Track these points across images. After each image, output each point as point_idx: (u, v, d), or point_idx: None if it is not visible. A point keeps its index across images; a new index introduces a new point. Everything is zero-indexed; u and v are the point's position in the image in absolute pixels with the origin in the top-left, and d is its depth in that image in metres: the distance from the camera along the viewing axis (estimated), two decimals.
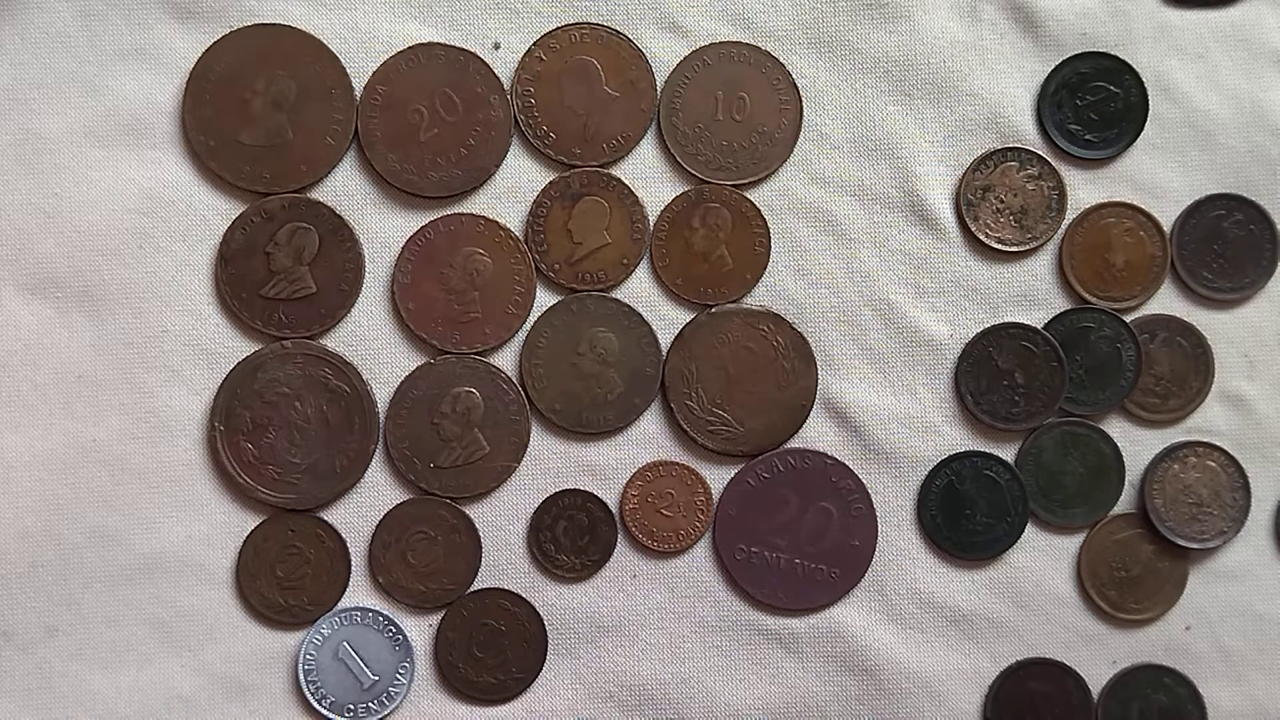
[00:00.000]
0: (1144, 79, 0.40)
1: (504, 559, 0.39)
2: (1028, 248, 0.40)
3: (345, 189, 0.39)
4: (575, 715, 0.40)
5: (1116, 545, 0.40)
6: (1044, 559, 0.40)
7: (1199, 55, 0.40)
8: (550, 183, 0.39)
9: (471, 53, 0.39)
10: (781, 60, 0.40)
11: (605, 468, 0.40)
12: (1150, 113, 0.40)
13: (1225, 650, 0.41)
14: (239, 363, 0.38)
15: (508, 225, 0.39)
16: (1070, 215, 0.40)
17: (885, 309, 0.40)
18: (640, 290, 0.40)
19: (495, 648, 0.39)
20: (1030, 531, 0.40)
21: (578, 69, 0.39)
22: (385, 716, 0.39)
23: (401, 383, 0.39)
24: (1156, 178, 0.40)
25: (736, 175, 0.39)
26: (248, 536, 0.39)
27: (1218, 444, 0.40)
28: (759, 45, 0.40)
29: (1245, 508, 0.40)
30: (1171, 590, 0.40)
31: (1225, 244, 0.40)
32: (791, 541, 0.40)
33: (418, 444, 0.39)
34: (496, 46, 0.39)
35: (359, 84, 0.39)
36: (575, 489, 0.39)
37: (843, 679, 0.40)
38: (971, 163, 0.40)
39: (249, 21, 0.39)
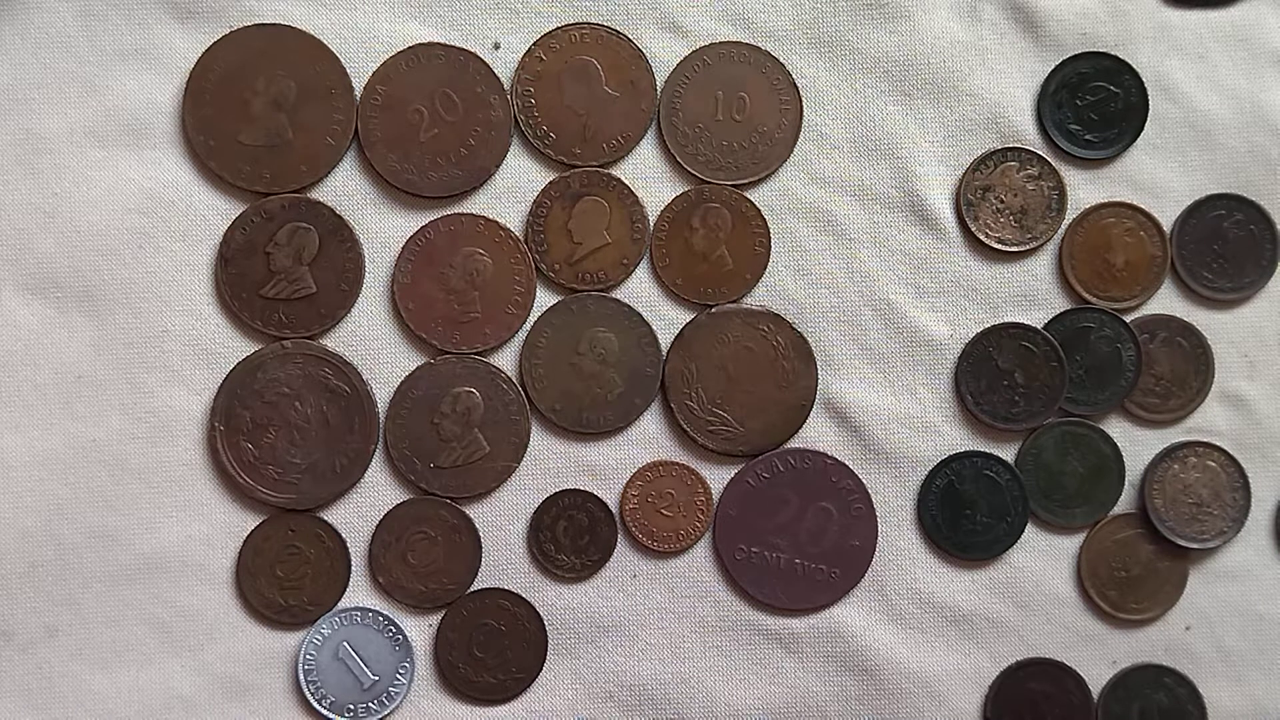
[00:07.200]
0: (1144, 79, 0.40)
1: (504, 559, 0.39)
2: (1028, 248, 0.40)
3: (345, 189, 0.39)
4: (575, 715, 0.40)
5: (1116, 545, 0.40)
6: (1044, 559, 0.40)
7: (1199, 55, 0.40)
8: (550, 183, 0.39)
9: (471, 53, 0.39)
10: (781, 60, 0.40)
11: (605, 468, 0.40)
12: (1150, 113, 0.40)
13: (1225, 650, 0.41)
14: (239, 363, 0.38)
15: (508, 225, 0.39)
16: (1070, 215, 0.40)
17: (885, 309, 0.40)
18: (640, 290, 0.40)
19: (495, 648, 0.39)
20: (1030, 531, 0.40)
21: (578, 69, 0.39)
22: (385, 716, 0.39)
23: (401, 383, 0.39)
24: (1156, 178, 0.40)
25: (736, 175, 0.39)
26: (248, 536, 0.39)
27: (1218, 444, 0.40)
28: (759, 45, 0.40)
29: (1245, 508, 0.40)
30: (1171, 590, 0.40)
31: (1225, 244, 0.40)
32: (791, 541, 0.40)
33: (418, 444, 0.39)
34: (496, 46, 0.39)
35: (359, 84, 0.39)
36: (575, 489, 0.39)
37: (843, 679, 0.40)
38: (971, 163, 0.40)
39: (249, 21, 0.39)
